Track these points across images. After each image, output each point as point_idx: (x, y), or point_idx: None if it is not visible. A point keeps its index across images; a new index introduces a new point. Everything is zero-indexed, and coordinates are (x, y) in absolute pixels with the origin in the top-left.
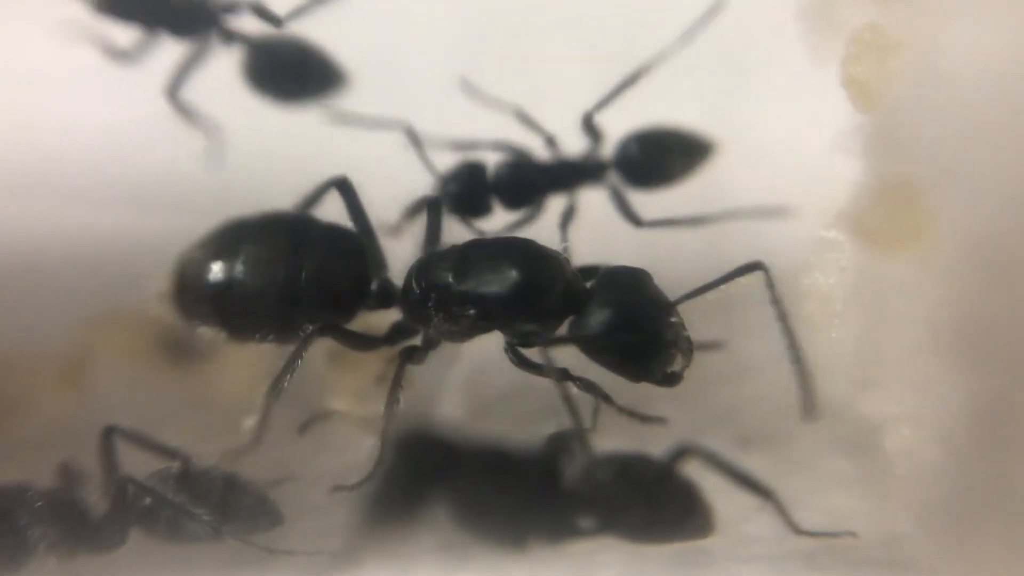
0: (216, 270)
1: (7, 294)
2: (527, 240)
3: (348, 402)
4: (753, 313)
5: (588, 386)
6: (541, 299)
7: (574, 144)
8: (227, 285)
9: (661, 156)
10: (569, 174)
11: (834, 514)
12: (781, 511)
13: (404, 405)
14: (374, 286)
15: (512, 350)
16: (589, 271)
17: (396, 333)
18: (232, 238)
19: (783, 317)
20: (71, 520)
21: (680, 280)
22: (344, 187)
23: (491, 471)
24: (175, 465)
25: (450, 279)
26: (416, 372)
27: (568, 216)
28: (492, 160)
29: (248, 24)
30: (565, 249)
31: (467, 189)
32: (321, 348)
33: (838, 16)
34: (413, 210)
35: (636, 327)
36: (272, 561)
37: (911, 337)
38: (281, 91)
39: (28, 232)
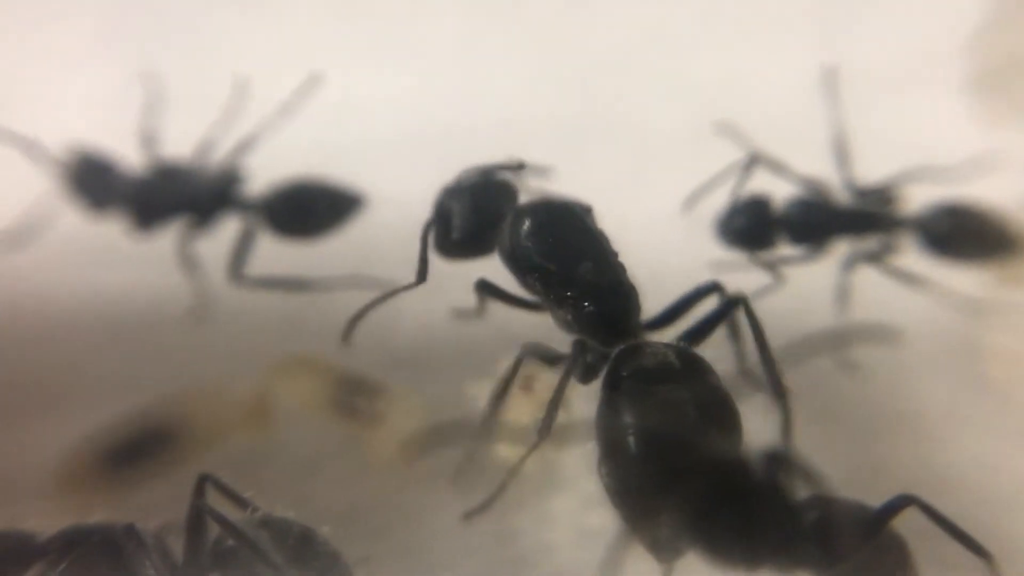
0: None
1: (209, 331)
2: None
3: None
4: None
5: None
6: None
7: None
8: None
9: (968, 234)
10: (861, 223)
11: None
12: (996, 573)
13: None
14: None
15: None
16: None
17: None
18: None
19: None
20: (165, 559)
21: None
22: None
23: (720, 483)
24: (256, 514)
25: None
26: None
27: (852, 262)
28: (781, 194)
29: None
30: None
31: (753, 222)
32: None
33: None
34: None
35: None
36: None
37: None
38: (311, 228)
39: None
